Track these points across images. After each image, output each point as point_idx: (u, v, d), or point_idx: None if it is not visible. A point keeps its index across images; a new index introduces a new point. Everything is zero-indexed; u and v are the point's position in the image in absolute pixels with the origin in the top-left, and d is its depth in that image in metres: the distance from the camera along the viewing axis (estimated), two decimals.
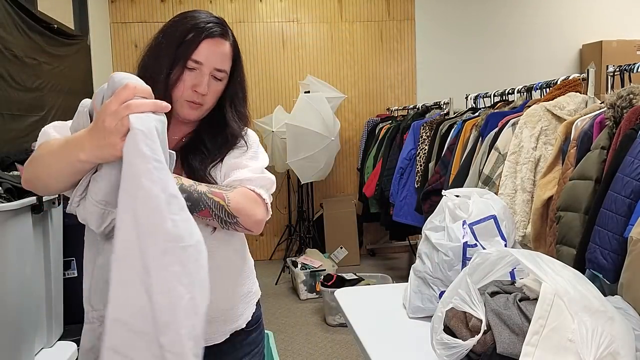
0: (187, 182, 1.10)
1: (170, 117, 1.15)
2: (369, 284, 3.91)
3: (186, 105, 1.19)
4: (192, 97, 1.19)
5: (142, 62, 1.20)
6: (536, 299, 1.11)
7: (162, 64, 1.16)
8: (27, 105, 2.61)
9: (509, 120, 2.44)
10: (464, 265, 1.52)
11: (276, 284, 4.64)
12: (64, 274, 1.68)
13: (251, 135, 1.31)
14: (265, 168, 1.25)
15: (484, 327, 1.15)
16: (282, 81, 5.26)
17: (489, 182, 2.39)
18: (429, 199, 3.10)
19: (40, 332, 1.53)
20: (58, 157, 0.97)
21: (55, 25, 2.97)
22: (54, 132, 1.09)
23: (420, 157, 3.53)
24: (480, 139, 2.69)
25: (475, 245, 1.55)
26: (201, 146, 1.23)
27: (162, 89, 1.16)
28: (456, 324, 1.21)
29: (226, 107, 1.27)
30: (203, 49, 1.16)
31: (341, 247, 5.04)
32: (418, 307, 1.59)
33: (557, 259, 1.22)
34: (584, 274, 1.45)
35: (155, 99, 0.97)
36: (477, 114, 3.15)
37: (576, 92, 2.34)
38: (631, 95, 1.74)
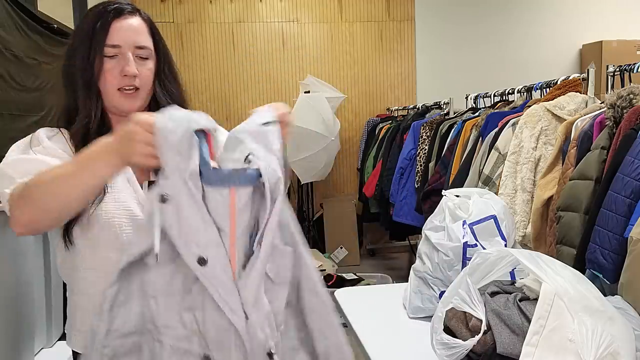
0: None
1: (110, 124, 1.13)
2: (369, 284, 3.91)
3: (120, 95, 1.11)
4: (123, 82, 1.10)
5: (62, 71, 1.14)
6: (536, 299, 1.11)
7: (81, 63, 1.09)
8: (27, 105, 2.61)
9: (509, 120, 2.44)
10: (464, 265, 1.52)
11: None
12: None
13: None
14: None
15: (484, 327, 1.15)
16: (282, 81, 5.26)
17: (489, 182, 2.39)
18: (429, 199, 3.10)
19: (40, 332, 1.53)
20: (73, 178, 0.88)
21: (55, 25, 2.97)
22: (51, 160, 1.02)
23: (420, 157, 3.53)
24: (480, 139, 2.69)
25: (475, 245, 1.55)
26: None
27: (88, 87, 1.10)
28: (456, 324, 1.21)
29: (156, 89, 1.17)
30: (115, 30, 1.09)
31: (341, 247, 5.04)
32: (418, 307, 1.59)
33: (557, 259, 1.22)
34: (584, 274, 1.45)
35: (84, 101, 1.08)
36: (477, 114, 3.15)
37: (576, 92, 2.34)
38: (631, 95, 1.74)
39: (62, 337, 1.63)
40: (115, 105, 1.12)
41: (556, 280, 1.11)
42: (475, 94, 3.57)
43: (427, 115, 4.09)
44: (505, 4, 5.51)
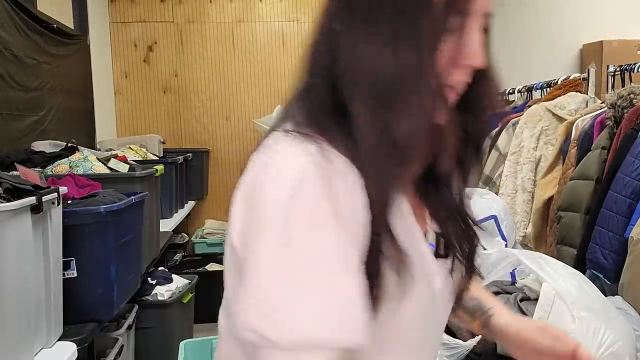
0: None
1: None
2: None
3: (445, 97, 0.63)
4: (459, 75, 0.63)
5: (372, 68, 0.59)
6: (537, 299, 1.11)
7: (414, 46, 0.58)
8: (27, 105, 2.61)
9: (509, 120, 2.44)
10: None
11: None
12: (64, 274, 1.67)
13: None
14: None
15: None
16: (282, 81, 5.25)
17: (489, 182, 2.39)
18: None
19: (40, 333, 1.53)
20: None
21: (55, 25, 2.97)
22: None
23: None
24: None
25: None
26: (449, 163, 0.70)
27: (426, 91, 0.59)
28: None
29: (484, 91, 0.70)
30: None
31: None
32: None
33: (558, 259, 1.21)
34: (584, 274, 1.45)
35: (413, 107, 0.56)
36: None
37: (577, 92, 2.34)
38: (632, 95, 1.74)
39: (62, 337, 1.62)
40: None
41: (557, 281, 1.11)
42: None
43: None
44: (505, 4, 5.51)
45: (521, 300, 1.19)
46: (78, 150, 2.48)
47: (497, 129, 2.52)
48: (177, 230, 3.81)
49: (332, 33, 0.64)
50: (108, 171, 2.27)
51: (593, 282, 1.39)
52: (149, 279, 2.55)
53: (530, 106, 2.39)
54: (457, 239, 0.70)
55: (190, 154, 3.87)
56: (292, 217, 0.55)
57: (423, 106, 0.59)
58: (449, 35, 0.60)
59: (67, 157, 2.31)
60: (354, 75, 0.60)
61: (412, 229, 0.65)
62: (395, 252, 0.59)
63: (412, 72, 0.58)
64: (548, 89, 2.64)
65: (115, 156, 2.56)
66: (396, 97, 0.58)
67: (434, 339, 0.73)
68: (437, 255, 0.68)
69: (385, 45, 0.58)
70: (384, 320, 0.60)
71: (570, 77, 2.47)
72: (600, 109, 1.96)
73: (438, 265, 0.68)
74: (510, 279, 1.40)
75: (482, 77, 0.68)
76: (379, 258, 0.58)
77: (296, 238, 0.55)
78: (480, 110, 0.72)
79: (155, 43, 4.71)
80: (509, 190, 2.23)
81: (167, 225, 3.01)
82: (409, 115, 0.58)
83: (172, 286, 2.59)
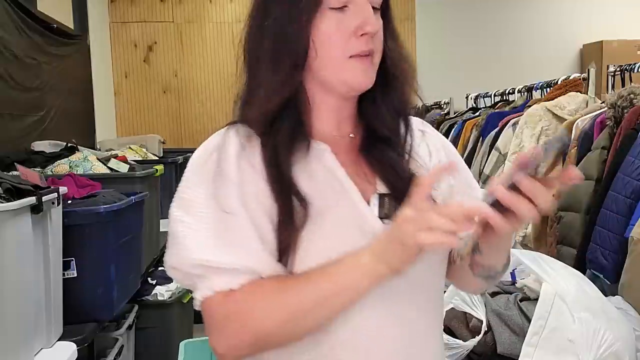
0: None
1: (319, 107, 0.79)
2: None
3: (355, 65, 0.74)
4: (360, 44, 0.74)
5: (249, 57, 0.82)
6: (537, 299, 1.11)
7: (286, 22, 0.75)
8: (26, 105, 2.61)
9: (509, 120, 2.44)
10: None
11: None
12: (64, 274, 1.67)
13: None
14: None
15: (484, 328, 1.15)
16: None
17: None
18: None
19: (40, 333, 1.53)
20: (311, 303, 0.70)
21: (55, 25, 2.97)
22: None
23: None
24: (481, 139, 2.68)
25: None
26: (385, 132, 0.81)
27: (294, 59, 0.75)
28: (456, 325, 1.21)
29: (386, 56, 0.79)
30: None
31: None
32: None
33: (558, 259, 1.21)
34: (584, 274, 1.45)
35: (285, 80, 0.74)
36: (477, 113, 3.15)
37: (577, 92, 2.34)
38: (632, 95, 1.74)
39: (62, 337, 1.63)
40: (346, 80, 0.76)
41: (557, 281, 1.11)
42: (476, 94, 3.56)
43: (427, 115, 4.09)
44: (506, 5, 5.51)
45: (521, 300, 1.19)
46: (78, 150, 2.48)
47: (497, 129, 2.52)
48: None
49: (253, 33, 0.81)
50: (108, 171, 2.27)
51: (593, 282, 1.39)
52: (149, 279, 2.55)
53: (530, 106, 2.39)
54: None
55: (190, 154, 3.86)
56: (188, 177, 0.77)
57: (280, 77, 0.76)
58: (336, 13, 0.73)
59: (67, 157, 2.31)
60: (247, 57, 0.81)
61: (346, 190, 0.76)
62: (301, 206, 0.72)
63: (294, 43, 0.74)
64: (548, 89, 2.64)
65: (115, 156, 2.56)
66: (262, 71, 0.78)
67: (397, 294, 0.74)
68: (383, 214, 0.76)
69: (262, 31, 0.77)
70: (302, 261, 0.72)
71: (570, 77, 2.47)
72: (600, 109, 1.96)
73: (385, 223, 0.75)
74: (510, 279, 1.40)
75: (388, 50, 0.79)
76: (287, 209, 0.72)
77: (191, 193, 0.75)
78: (396, 78, 0.81)
79: (155, 43, 4.71)
80: None
81: (167, 225, 3.01)
82: (274, 87, 0.76)
83: (172, 286, 2.59)
